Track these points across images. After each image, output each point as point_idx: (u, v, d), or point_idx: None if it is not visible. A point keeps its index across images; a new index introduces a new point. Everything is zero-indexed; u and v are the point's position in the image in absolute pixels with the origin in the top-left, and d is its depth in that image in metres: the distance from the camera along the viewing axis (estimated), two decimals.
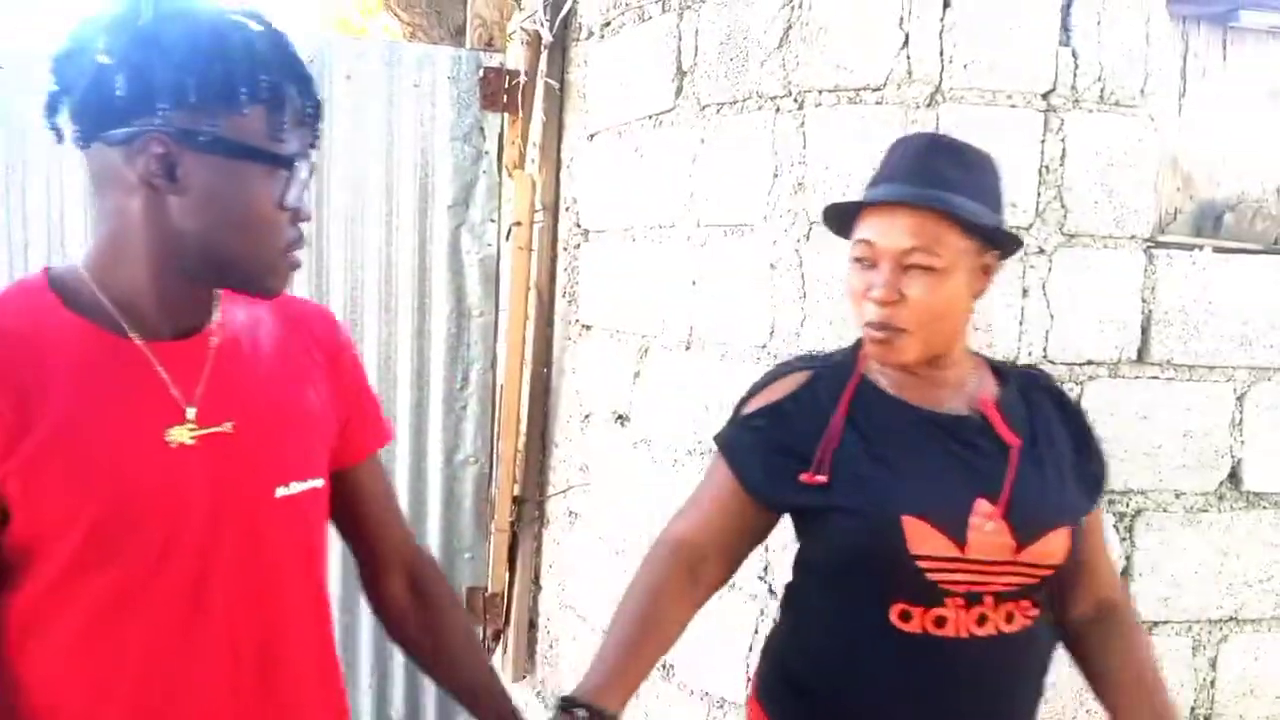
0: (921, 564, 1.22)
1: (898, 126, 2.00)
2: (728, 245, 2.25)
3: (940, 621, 1.22)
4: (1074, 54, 2.01)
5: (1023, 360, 2.03)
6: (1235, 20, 2.25)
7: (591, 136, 2.85)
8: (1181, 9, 2.21)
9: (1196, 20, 2.28)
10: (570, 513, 2.96)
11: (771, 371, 1.43)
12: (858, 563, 1.25)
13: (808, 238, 2.08)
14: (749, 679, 2.20)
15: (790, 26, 2.08)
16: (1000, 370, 1.39)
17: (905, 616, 1.22)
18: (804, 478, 1.27)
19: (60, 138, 0.96)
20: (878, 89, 2.01)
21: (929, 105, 2.00)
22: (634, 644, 1.25)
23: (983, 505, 1.23)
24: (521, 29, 2.93)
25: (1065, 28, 2.01)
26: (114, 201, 0.95)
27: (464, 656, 1.24)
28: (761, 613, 2.16)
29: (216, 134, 0.91)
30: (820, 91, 2.06)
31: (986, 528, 1.22)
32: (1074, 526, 1.27)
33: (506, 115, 2.94)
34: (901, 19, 1.99)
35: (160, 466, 0.95)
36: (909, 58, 1.99)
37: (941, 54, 1.99)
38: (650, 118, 2.51)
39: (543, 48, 2.90)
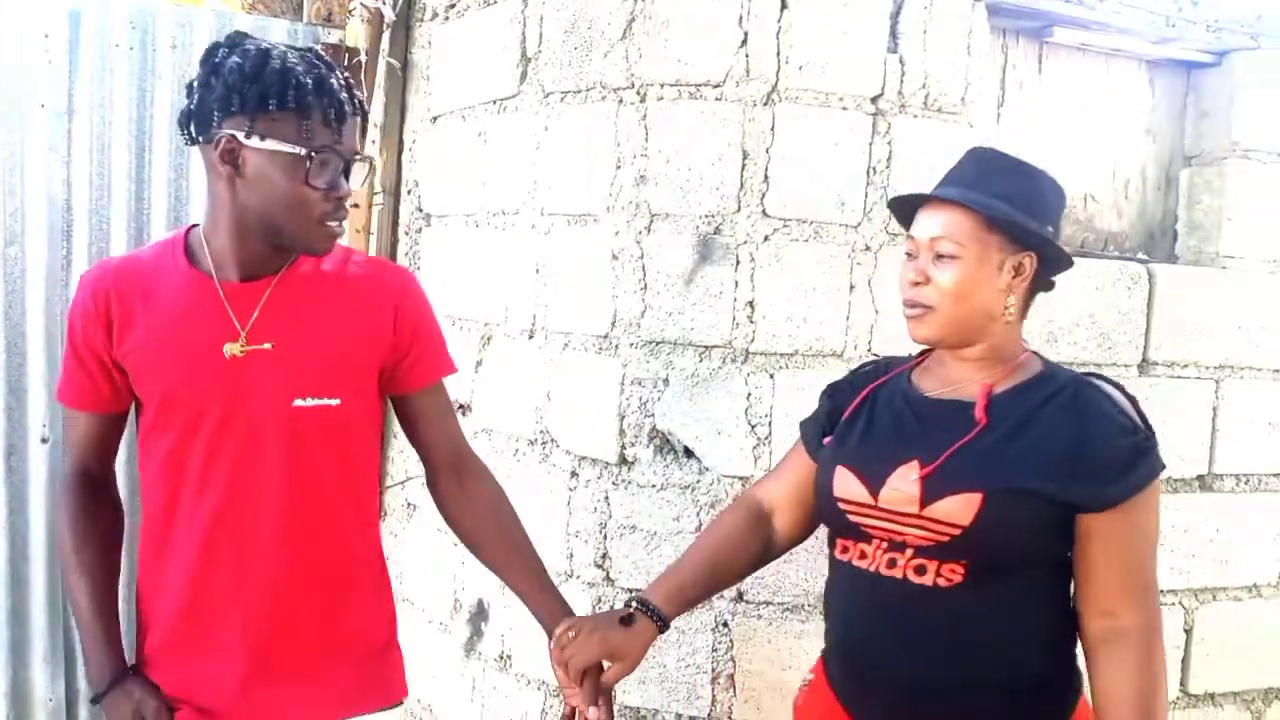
0: (841, 505, 1.46)
1: (736, 123, 2.04)
2: (571, 234, 2.24)
3: (863, 555, 1.44)
4: (901, 61, 2.09)
5: (850, 355, 2.11)
6: (1050, 36, 2.39)
7: (434, 119, 2.79)
8: (1001, 23, 2.33)
9: (1015, 34, 2.42)
10: (409, 505, 2.90)
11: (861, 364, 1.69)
12: (819, 504, 1.53)
13: (649, 230, 2.10)
14: None
15: (634, 19, 2.09)
16: (1047, 371, 1.47)
17: (844, 550, 1.48)
18: (825, 439, 1.56)
19: (188, 142, 1.38)
20: (718, 85, 2.05)
21: (766, 104, 2.05)
22: (693, 570, 1.56)
23: (912, 466, 1.40)
24: (363, 5, 2.84)
25: (893, 35, 2.10)
26: (211, 185, 1.38)
27: (500, 534, 1.60)
28: (599, 600, 2.17)
29: (259, 133, 1.29)
30: (662, 85, 2.08)
31: (901, 483, 1.39)
32: (989, 494, 1.33)
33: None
34: (741, 17, 2.03)
35: (214, 368, 1.38)
36: (747, 56, 2.03)
37: (778, 54, 2.04)
38: (495, 102, 2.48)
39: (385, 26, 2.82)
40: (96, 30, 2.70)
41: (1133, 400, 1.42)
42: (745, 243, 2.06)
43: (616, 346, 2.15)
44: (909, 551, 1.39)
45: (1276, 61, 2.47)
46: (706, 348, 2.08)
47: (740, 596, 2.11)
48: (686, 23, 2.04)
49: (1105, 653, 1.34)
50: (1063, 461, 1.33)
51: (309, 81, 1.31)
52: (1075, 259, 2.30)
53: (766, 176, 2.06)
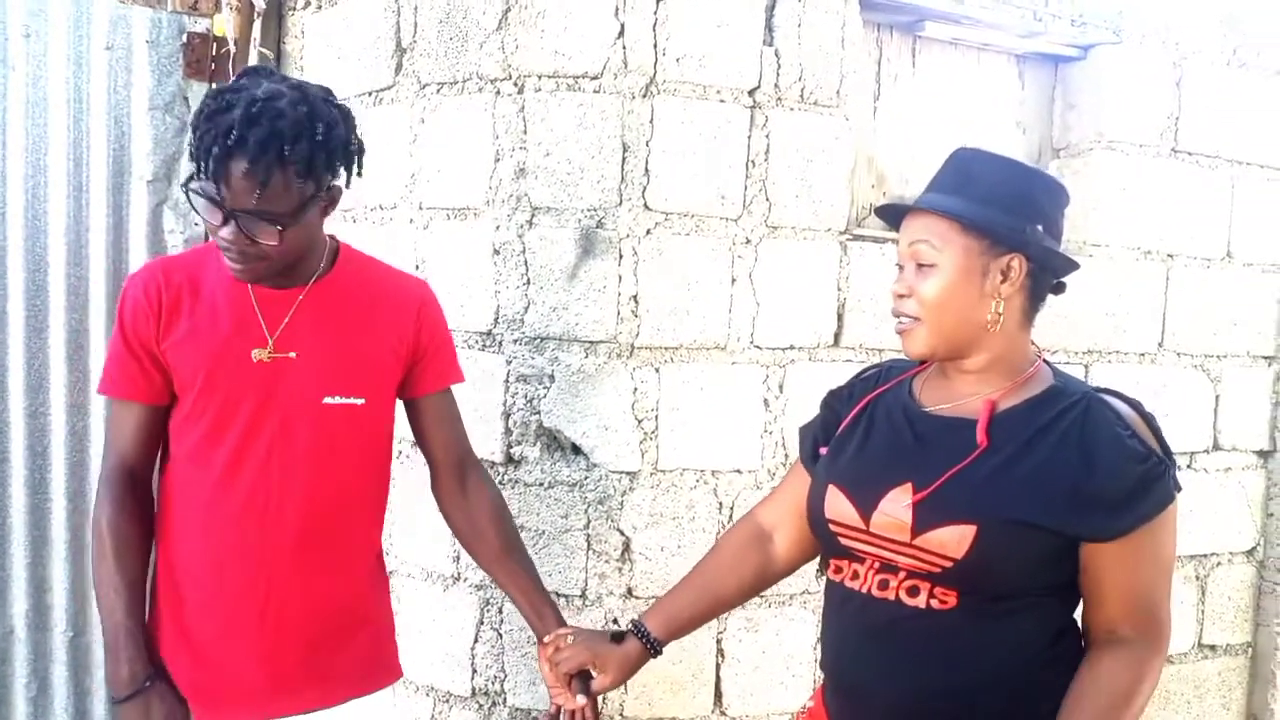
0: (832, 527, 1.40)
1: (615, 116, 2.02)
2: (451, 229, 2.20)
3: (855, 575, 1.38)
4: (777, 54, 2.10)
5: (732, 347, 2.12)
6: (921, 30, 2.44)
7: None
8: (874, 17, 2.37)
9: (890, 29, 2.46)
10: None
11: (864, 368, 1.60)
12: (811, 523, 1.46)
13: (531, 223, 2.07)
14: (474, 672, 2.18)
15: (509, 9, 2.06)
16: (1058, 384, 1.35)
17: (838, 570, 1.42)
18: (820, 449, 1.49)
19: None
20: (595, 77, 2.03)
21: (645, 96, 2.04)
22: (688, 595, 1.58)
23: (904, 490, 1.32)
24: None
25: (769, 28, 2.11)
26: None
27: (498, 538, 1.68)
28: (487, 603, 2.14)
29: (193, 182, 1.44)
30: (540, 77, 2.04)
31: (893, 508, 1.32)
32: (984, 527, 1.26)
33: (214, 85, 2.72)
34: (617, 8, 2.01)
35: (242, 370, 1.50)
36: (625, 48, 2.02)
37: (655, 46, 2.03)
38: (370, 94, 2.41)
39: (256, 15, 2.71)
40: None
41: (1148, 419, 1.33)
42: (628, 236, 2.04)
43: (500, 343, 2.11)
44: (902, 574, 1.33)
45: (1138, 56, 2.57)
46: (592, 343, 2.06)
47: (630, 592, 2.10)
48: (563, 14, 2.02)
49: (1097, 653, 1.31)
50: (1067, 492, 1.26)
51: (219, 148, 1.38)
52: None
53: (647, 169, 2.05)
